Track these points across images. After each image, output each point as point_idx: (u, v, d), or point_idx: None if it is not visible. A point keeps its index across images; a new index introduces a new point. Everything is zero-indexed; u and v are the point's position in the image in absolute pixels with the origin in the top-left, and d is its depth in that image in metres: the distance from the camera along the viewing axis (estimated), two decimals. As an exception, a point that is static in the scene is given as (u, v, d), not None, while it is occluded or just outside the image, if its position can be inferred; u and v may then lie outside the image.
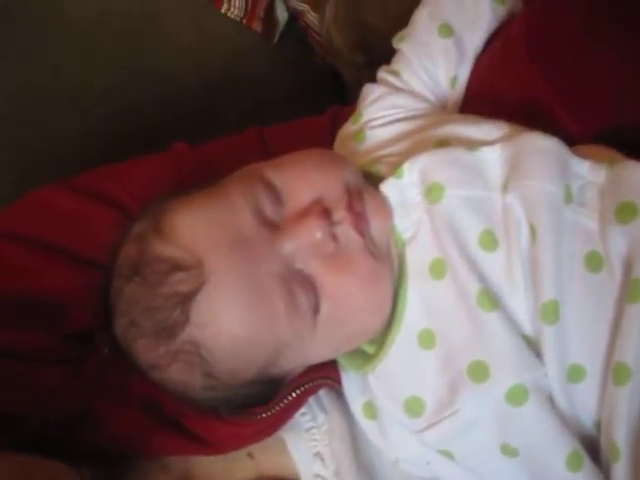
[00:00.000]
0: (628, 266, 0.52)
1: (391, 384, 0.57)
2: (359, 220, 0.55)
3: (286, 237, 0.54)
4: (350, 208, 0.55)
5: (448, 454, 0.56)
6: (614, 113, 0.60)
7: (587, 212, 0.55)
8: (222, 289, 0.52)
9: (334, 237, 0.54)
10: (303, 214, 0.54)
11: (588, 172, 0.56)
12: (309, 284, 0.54)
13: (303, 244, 0.54)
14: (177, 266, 0.52)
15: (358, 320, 0.56)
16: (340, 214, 0.54)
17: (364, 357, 0.59)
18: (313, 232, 0.53)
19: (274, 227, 0.54)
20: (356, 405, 0.60)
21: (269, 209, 0.55)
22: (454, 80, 0.67)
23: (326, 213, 0.54)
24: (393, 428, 0.58)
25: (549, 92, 0.62)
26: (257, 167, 0.58)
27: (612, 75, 0.59)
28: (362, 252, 0.55)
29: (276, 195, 0.55)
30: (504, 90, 0.65)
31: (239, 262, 0.52)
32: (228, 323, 0.52)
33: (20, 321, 0.64)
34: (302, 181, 0.56)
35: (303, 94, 0.98)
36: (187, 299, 0.52)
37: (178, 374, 0.55)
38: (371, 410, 0.59)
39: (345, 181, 0.56)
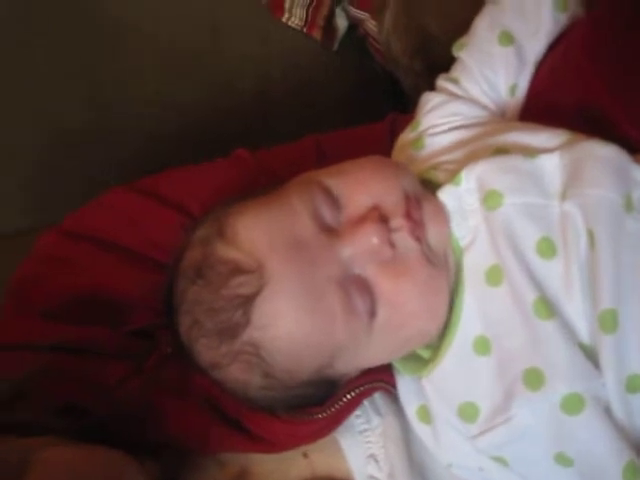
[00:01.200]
0: None
1: (445, 389, 0.58)
2: (416, 227, 0.55)
3: (344, 243, 0.55)
4: (407, 215, 0.55)
5: (502, 460, 0.56)
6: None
7: None
8: (281, 292, 0.53)
9: (391, 243, 0.55)
10: (361, 220, 0.55)
11: None
12: (366, 289, 0.55)
13: (360, 250, 0.55)
14: (239, 269, 0.54)
15: (414, 325, 0.56)
16: (397, 221, 0.55)
17: (419, 361, 0.60)
18: (370, 238, 0.54)
19: (332, 232, 0.56)
20: (411, 409, 0.61)
21: (327, 215, 0.56)
22: (514, 88, 0.67)
23: (383, 220, 0.55)
24: (447, 433, 0.58)
25: (609, 99, 0.61)
26: (316, 174, 0.59)
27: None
28: (419, 259, 0.55)
29: (334, 201, 0.56)
30: (564, 97, 0.64)
31: (298, 266, 0.54)
32: (287, 325, 0.54)
33: (86, 317, 0.66)
34: (360, 188, 0.57)
35: (362, 101, 0.99)
36: (248, 301, 0.54)
37: (238, 373, 0.57)
38: (425, 414, 0.60)
39: (403, 188, 0.57)
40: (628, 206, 0.55)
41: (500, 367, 0.55)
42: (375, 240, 0.54)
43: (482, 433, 0.55)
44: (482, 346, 0.56)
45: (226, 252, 0.55)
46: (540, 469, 0.55)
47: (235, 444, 0.63)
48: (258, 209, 0.57)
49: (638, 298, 0.53)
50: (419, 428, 0.61)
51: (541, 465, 0.55)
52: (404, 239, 0.55)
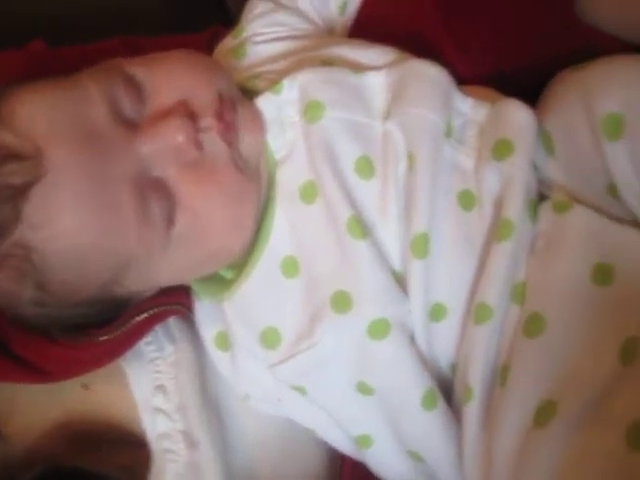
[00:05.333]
0: (499, 205, 0.51)
1: (248, 313, 0.53)
2: (228, 130, 0.50)
3: (144, 138, 0.48)
4: (219, 116, 0.50)
5: (301, 390, 0.53)
6: (503, 55, 0.58)
7: (466, 150, 0.53)
8: (62, 186, 0.46)
9: (198, 144, 0.49)
10: (166, 114, 0.48)
11: (470, 110, 0.54)
12: (165, 193, 0.48)
13: (162, 147, 0.48)
14: (11, 155, 0.45)
15: (216, 238, 0.51)
16: (207, 120, 0.49)
17: (221, 283, 0.55)
18: (175, 134, 0.48)
19: (132, 126, 0.49)
20: (208, 335, 0.56)
21: (128, 106, 0.49)
22: (344, 6, 0.63)
23: (192, 116, 0.49)
24: (246, 361, 0.54)
25: (440, 27, 0.59)
26: (120, 61, 0.52)
27: (503, 12, 0.58)
28: (228, 165, 0.50)
29: (138, 92, 0.49)
30: (395, 21, 0.61)
31: (86, 158, 0.46)
32: (66, 226, 0.46)
33: None
34: (169, 79, 0.50)
35: (183, 17, 0.91)
36: (20, 193, 0.45)
37: (6, 283, 0.48)
38: (224, 341, 0.55)
39: (217, 87, 0.51)
40: (448, 132, 0.53)
41: (308, 290, 0.51)
42: (180, 138, 0.48)
43: (284, 361, 0.52)
44: (290, 267, 0.52)
45: None
46: (340, 399, 0.52)
47: (1, 373, 0.54)
48: (45, 90, 0.49)
49: (450, 225, 0.51)
50: (216, 356, 0.56)
51: (342, 395, 0.52)
52: (213, 141, 0.49)
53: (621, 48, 0.53)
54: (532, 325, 0.48)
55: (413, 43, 0.59)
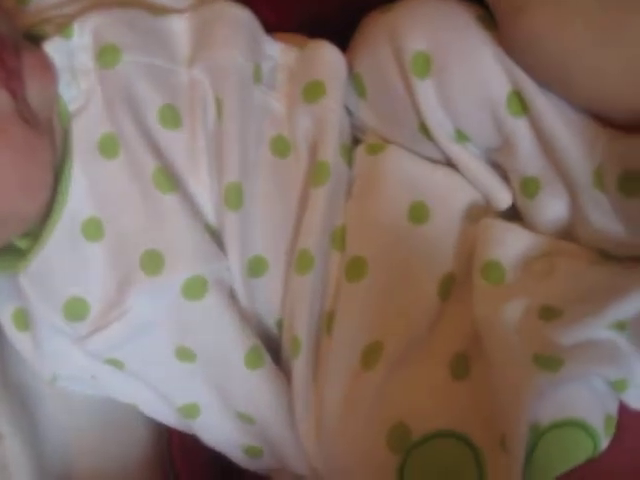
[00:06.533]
0: (314, 149, 0.49)
1: (48, 284, 0.47)
2: (11, 77, 0.44)
3: None
4: (0, 61, 0.44)
5: (117, 363, 0.48)
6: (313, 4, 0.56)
7: (276, 95, 0.51)
8: None
9: None
10: None
11: (279, 54, 0.52)
12: None
13: None
14: None
15: (4, 203, 0.45)
16: None
17: (16, 254, 0.48)
18: None
19: None
20: (4, 314, 0.50)
21: None
22: None
23: None
24: (50, 338, 0.48)
25: None
26: None
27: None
28: (13, 117, 0.44)
29: None
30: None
31: None
32: None
33: None
34: None
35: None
36: None
37: None
38: (23, 319, 0.49)
39: None
40: (257, 76, 0.50)
41: (114, 253, 0.47)
42: None
43: (94, 332, 0.47)
44: (93, 229, 0.47)
45: None
46: (161, 369, 0.48)
47: None
48: None
49: (264, 173, 0.49)
50: (15, 337, 0.50)
51: (161, 364, 0.48)
52: None
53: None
54: (354, 269, 0.47)
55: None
